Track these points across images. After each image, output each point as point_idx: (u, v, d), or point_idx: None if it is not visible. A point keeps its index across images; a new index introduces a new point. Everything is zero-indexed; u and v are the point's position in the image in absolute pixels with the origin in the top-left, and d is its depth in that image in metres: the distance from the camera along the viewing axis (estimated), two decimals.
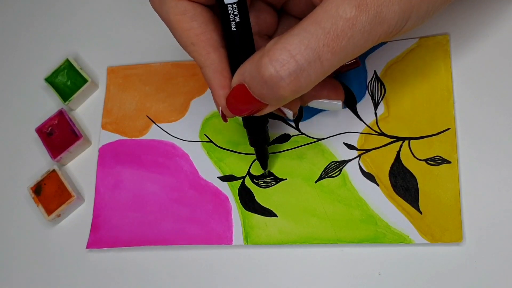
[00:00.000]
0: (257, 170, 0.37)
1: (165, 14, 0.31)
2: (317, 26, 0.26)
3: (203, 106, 0.39)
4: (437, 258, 0.33)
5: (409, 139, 0.35)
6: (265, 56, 0.27)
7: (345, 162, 0.36)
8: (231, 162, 0.38)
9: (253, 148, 0.37)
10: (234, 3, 0.29)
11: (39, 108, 0.43)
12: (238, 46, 0.30)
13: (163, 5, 0.31)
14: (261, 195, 0.36)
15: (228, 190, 0.37)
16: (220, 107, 0.32)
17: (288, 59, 0.27)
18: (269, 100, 0.29)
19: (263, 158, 0.36)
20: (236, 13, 0.29)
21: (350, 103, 0.37)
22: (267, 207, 0.36)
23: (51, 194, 0.39)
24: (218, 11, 0.30)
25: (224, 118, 0.33)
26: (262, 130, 0.35)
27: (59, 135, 0.41)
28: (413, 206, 0.34)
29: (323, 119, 0.37)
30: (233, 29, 0.29)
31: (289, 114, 0.33)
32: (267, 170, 0.37)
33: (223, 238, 0.36)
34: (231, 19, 0.29)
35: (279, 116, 0.38)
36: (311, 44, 0.26)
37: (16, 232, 0.40)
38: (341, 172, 0.36)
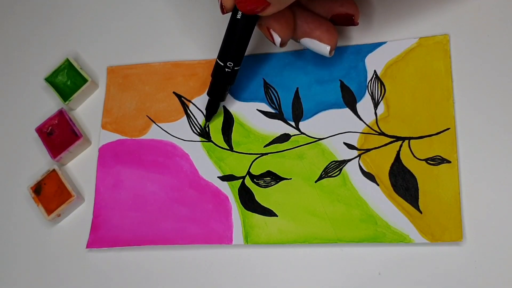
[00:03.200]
0: (257, 170, 0.37)
1: None
2: None
3: (203, 106, 0.39)
4: (437, 258, 0.33)
5: (409, 138, 0.35)
6: None
7: (345, 161, 0.36)
8: (231, 162, 0.38)
9: (254, 148, 0.37)
10: None
11: (39, 108, 0.43)
12: None
13: None
14: (261, 195, 0.36)
15: (228, 190, 0.37)
16: None
17: None
18: None
19: (212, 111, 0.38)
20: None
21: (350, 103, 0.37)
22: (267, 207, 0.36)
23: (51, 193, 0.39)
24: None
25: (223, 9, 0.34)
26: (226, 88, 0.37)
27: (59, 135, 0.41)
28: (413, 206, 0.34)
29: (323, 119, 0.37)
30: None
31: (277, 40, 0.34)
32: (208, 122, 0.39)
33: (223, 237, 0.36)
34: None
35: (278, 115, 0.38)
36: None
37: (16, 231, 0.40)
38: (341, 172, 0.36)
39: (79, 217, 0.40)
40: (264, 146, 0.37)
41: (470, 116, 0.34)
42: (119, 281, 0.37)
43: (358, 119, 0.36)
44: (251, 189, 0.37)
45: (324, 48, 0.35)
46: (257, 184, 0.37)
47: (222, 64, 0.35)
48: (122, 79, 0.42)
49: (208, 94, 0.37)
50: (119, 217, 0.38)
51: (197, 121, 0.39)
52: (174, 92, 0.41)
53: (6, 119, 0.44)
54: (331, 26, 0.35)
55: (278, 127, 0.38)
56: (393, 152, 0.35)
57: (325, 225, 0.35)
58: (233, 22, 0.34)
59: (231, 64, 0.35)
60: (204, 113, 0.39)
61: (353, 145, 0.36)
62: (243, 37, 0.34)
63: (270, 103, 0.38)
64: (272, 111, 0.38)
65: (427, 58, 0.36)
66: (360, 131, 0.36)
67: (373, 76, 0.37)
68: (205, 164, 0.38)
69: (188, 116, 0.39)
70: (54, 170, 0.40)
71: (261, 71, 0.39)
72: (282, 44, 0.34)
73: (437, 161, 0.34)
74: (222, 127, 0.39)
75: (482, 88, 0.35)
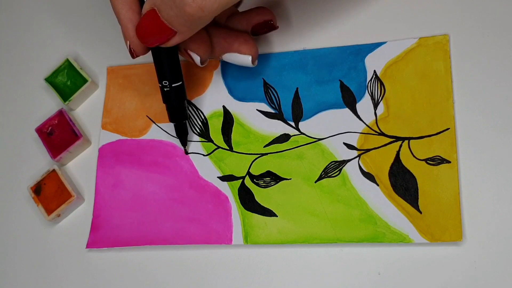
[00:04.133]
0: (257, 170, 0.37)
1: None
2: None
3: (203, 106, 0.40)
4: (437, 258, 0.33)
5: (409, 139, 0.35)
6: None
7: (344, 162, 0.36)
8: (231, 162, 0.38)
9: (253, 148, 0.37)
10: None
11: (39, 108, 0.43)
12: None
13: None
14: (261, 195, 0.36)
15: (228, 190, 0.37)
16: (128, 42, 0.33)
17: None
18: (177, 23, 0.30)
19: (182, 134, 0.38)
20: None
21: (350, 103, 0.37)
22: (267, 207, 0.36)
23: (51, 194, 0.39)
24: None
25: (132, 54, 0.34)
26: (182, 106, 0.36)
27: (59, 135, 0.41)
28: (412, 206, 0.34)
29: (323, 119, 0.37)
30: None
31: (197, 59, 0.35)
32: (187, 147, 0.38)
33: (223, 237, 0.36)
34: None
35: (278, 116, 0.38)
36: None
37: (16, 231, 0.40)
38: (341, 172, 0.36)
39: (79, 217, 0.40)
40: (264, 146, 0.37)
41: (470, 116, 0.34)
42: (119, 281, 0.37)
43: (358, 119, 0.36)
44: (251, 189, 0.37)
45: (246, 59, 0.36)
46: (257, 184, 0.37)
47: (160, 86, 0.36)
48: (122, 79, 0.42)
49: (170, 120, 0.37)
50: (119, 217, 0.38)
51: (196, 121, 0.39)
52: None
53: (6, 119, 0.44)
54: (248, 36, 0.36)
55: (278, 127, 0.38)
56: (393, 152, 0.35)
57: (325, 225, 0.35)
58: (153, 49, 0.34)
59: (166, 83, 0.35)
60: (180, 140, 0.39)
61: (353, 145, 0.36)
62: (168, 56, 0.35)
63: (270, 103, 0.38)
64: (272, 111, 0.38)
65: (427, 58, 0.36)
66: (360, 131, 0.36)
67: (373, 76, 0.37)
68: (205, 164, 0.38)
69: (188, 116, 0.39)
70: (54, 170, 0.40)
71: (261, 71, 0.39)
72: (203, 62, 0.36)
73: (436, 161, 0.34)
74: (222, 127, 0.39)
75: (482, 88, 0.35)
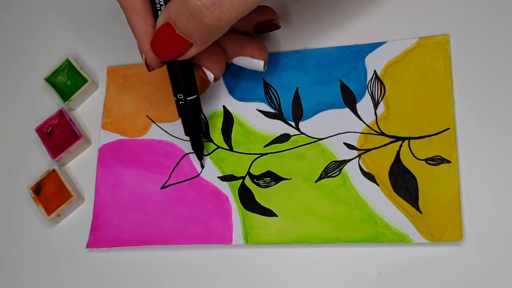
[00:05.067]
0: (257, 170, 0.37)
1: None
2: None
3: (203, 105, 0.39)
4: (437, 258, 0.33)
5: (409, 139, 0.35)
6: None
7: (345, 162, 0.36)
8: (231, 162, 0.38)
9: (253, 148, 0.37)
10: None
11: (39, 108, 0.43)
12: None
13: None
14: (261, 195, 0.36)
15: (228, 190, 0.37)
16: (144, 55, 0.33)
17: None
18: (194, 35, 0.30)
19: (198, 148, 0.37)
20: None
21: (350, 103, 0.37)
22: (267, 207, 0.36)
23: (51, 194, 0.39)
24: None
25: (148, 67, 0.34)
26: (197, 119, 0.36)
27: (59, 135, 0.41)
28: (413, 206, 0.34)
29: (323, 119, 0.37)
30: None
31: (210, 76, 0.35)
32: (203, 160, 0.38)
33: (223, 237, 0.36)
34: None
35: (278, 115, 0.38)
36: None
37: (16, 232, 0.40)
38: (341, 172, 0.36)
39: (79, 217, 0.40)
40: (264, 146, 0.37)
41: (470, 116, 0.34)
42: (119, 281, 0.37)
43: (358, 119, 0.36)
44: (251, 189, 0.37)
45: (257, 64, 0.36)
46: (257, 184, 0.37)
47: (175, 99, 0.35)
48: (122, 79, 0.42)
49: (186, 134, 0.37)
50: (119, 217, 0.38)
51: None
52: None
53: (6, 119, 0.44)
54: (260, 42, 0.36)
55: (278, 127, 0.38)
56: (393, 152, 0.35)
57: (325, 225, 0.35)
58: (168, 63, 0.34)
59: (181, 96, 0.35)
60: (195, 153, 0.38)
61: (353, 145, 0.36)
62: (183, 70, 0.34)
63: (270, 103, 0.38)
64: (272, 111, 0.38)
65: (427, 58, 0.36)
66: (360, 131, 0.36)
67: (373, 76, 0.37)
68: (205, 164, 0.38)
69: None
70: (54, 170, 0.40)
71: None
72: (216, 80, 0.35)
73: (437, 161, 0.34)
74: (222, 127, 0.39)
75: (482, 88, 0.35)
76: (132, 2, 0.32)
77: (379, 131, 0.36)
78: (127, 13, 0.33)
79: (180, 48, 0.31)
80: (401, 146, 0.35)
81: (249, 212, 0.36)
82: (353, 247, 0.34)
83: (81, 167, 0.41)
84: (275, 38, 0.40)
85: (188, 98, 0.35)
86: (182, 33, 0.30)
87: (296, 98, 0.38)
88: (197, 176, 0.38)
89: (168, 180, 0.38)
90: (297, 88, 0.38)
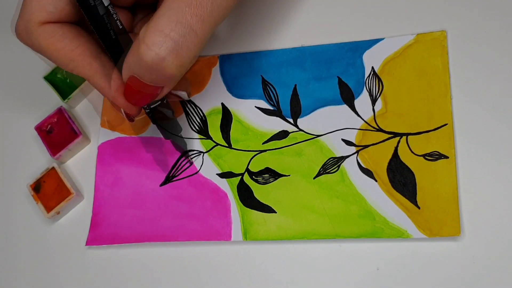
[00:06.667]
0: (256, 167, 0.37)
1: (36, 42, 0.32)
2: (179, 1, 0.28)
3: (202, 103, 0.40)
4: (435, 253, 0.33)
5: (407, 134, 0.35)
6: (142, 44, 0.28)
7: (343, 158, 0.36)
8: (230, 159, 0.38)
9: (252, 145, 0.37)
10: (103, 14, 0.30)
11: (38, 106, 0.43)
12: (122, 49, 0.31)
13: (30, 35, 0.32)
14: (260, 192, 0.37)
15: (227, 187, 0.37)
16: (122, 109, 0.33)
17: (163, 39, 0.28)
18: (161, 82, 0.30)
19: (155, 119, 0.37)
20: (108, 22, 0.31)
21: (348, 99, 0.37)
22: (266, 203, 0.36)
23: (50, 191, 0.39)
24: (85, 25, 0.32)
25: (130, 118, 0.34)
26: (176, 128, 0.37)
27: (59, 133, 0.41)
28: (411, 201, 0.34)
29: (321, 116, 0.37)
30: (113, 36, 0.31)
31: (184, 95, 0.35)
32: (184, 144, 0.38)
33: (222, 234, 0.36)
34: (109, 28, 0.31)
35: (276, 112, 0.38)
36: (180, 18, 0.28)
37: (16, 229, 0.40)
38: (339, 168, 0.36)
39: (78, 214, 0.40)
40: (263, 143, 0.38)
41: (467, 111, 0.35)
42: (119, 278, 0.37)
43: (356, 115, 0.36)
44: (250, 186, 0.37)
45: (183, 95, 0.36)
46: (256, 181, 0.37)
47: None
48: None
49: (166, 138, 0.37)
50: (118, 214, 0.38)
51: (195, 118, 0.39)
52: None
53: (6, 117, 0.44)
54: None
55: (277, 124, 0.38)
56: (391, 148, 0.35)
57: (324, 221, 0.35)
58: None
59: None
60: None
61: (351, 142, 0.36)
62: None
63: (268, 100, 0.38)
64: (270, 108, 0.38)
65: (425, 55, 0.36)
66: (358, 128, 0.36)
67: (370, 72, 0.37)
68: (204, 161, 0.38)
69: (187, 114, 0.40)
70: (53, 168, 0.40)
71: (259, 68, 0.39)
72: (189, 95, 0.37)
73: (434, 156, 0.34)
74: (220, 125, 0.39)
75: (479, 84, 0.35)
76: (91, 67, 0.32)
77: (377, 127, 0.36)
78: (91, 78, 0.33)
79: (152, 92, 0.31)
80: (399, 142, 0.35)
81: (248, 209, 0.36)
82: (352, 243, 0.34)
83: (80, 164, 0.41)
84: (273, 35, 0.40)
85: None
86: (150, 82, 0.30)
87: (294, 95, 0.38)
88: (196, 173, 0.38)
89: (167, 177, 0.39)
90: (295, 85, 0.38)
